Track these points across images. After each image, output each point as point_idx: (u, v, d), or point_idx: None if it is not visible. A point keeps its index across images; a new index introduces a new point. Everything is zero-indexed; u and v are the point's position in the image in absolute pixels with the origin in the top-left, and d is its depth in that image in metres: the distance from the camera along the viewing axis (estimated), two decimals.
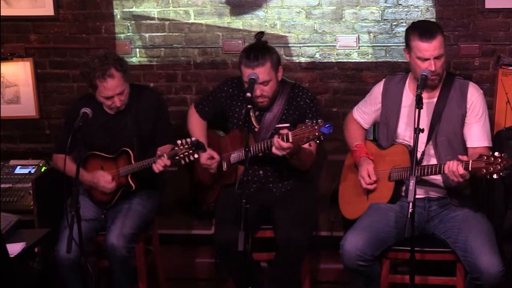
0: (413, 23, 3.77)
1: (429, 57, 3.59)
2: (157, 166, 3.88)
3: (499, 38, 4.63)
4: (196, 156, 3.81)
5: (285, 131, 3.60)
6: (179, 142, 3.82)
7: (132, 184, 4.03)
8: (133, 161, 4.01)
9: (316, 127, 3.46)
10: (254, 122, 4.02)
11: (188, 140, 3.81)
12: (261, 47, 3.96)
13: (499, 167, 3.24)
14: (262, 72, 3.84)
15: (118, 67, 3.95)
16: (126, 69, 4.01)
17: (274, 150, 3.67)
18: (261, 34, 4.09)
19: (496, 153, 3.27)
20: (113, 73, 3.93)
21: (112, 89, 3.95)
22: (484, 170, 3.27)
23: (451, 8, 4.65)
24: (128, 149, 4.03)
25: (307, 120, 3.54)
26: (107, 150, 4.07)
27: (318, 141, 3.51)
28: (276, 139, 3.62)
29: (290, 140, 3.57)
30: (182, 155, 3.80)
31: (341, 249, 3.58)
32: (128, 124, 4.02)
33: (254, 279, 3.87)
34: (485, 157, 3.28)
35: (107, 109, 4.08)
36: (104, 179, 4.00)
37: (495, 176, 3.26)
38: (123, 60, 4.03)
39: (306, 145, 3.61)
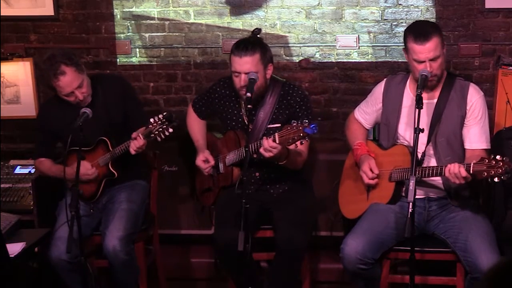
0: (410, 24, 3.76)
1: (424, 59, 3.56)
2: (133, 148, 3.85)
3: (499, 38, 4.63)
4: (171, 130, 3.76)
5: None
6: (151, 120, 3.78)
7: (114, 172, 4.03)
8: (110, 149, 4.01)
9: (300, 128, 3.45)
10: (246, 121, 4.00)
11: (160, 116, 3.78)
12: (253, 41, 3.92)
13: (500, 170, 3.22)
14: (249, 62, 3.80)
15: (67, 62, 3.91)
16: (77, 61, 3.97)
17: (261, 150, 3.65)
18: (257, 30, 4.07)
19: (498, 157, 3.25)
20: (64, 69, 3.90)
21: (68, 86, 3.93)
22: (486, 173, 3.25)
23: (451, 8, 4.65)
24: (105, 138, 4.02)
25: (292, 121, 3.53)
26: (84, 144, 4.02)
27: (303, 142, 3.51)
28: (264, 140, 3.62)
29: (277, 142, 3.56)
30: (157, 132, 3.77)
31: (341, 252, 3.58)
32: (99, 114, 3.97)
33: (254, 279, 3.87)
34: (487, 160, 3.26)
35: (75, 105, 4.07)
36: (84, 167, 3.95)
37: (496, 179, 3.24)
38: (71, 54, 3.99)
39: (292, 146, 3.60)
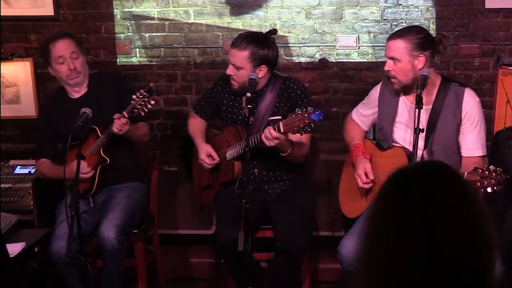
0: None
1: (386, 56, 3.66)
2: (115, 126, 3.85)
3: (499, 38, 4.63)
4: (153, 102, 3.81)
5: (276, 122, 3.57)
6: (134, 96, 3.83)
7: (106, 157, 4.01)
8: (100, 135, 4.00)
9: (306, 115, 3.40)
10: (247, 114, 3.98)
11: (142, 90, 3.82)
12: (255, 37, 3.91)
13: (493, 181, 3.22)
14: (236, 56, 3.83)
15: (69, 35, 4.13)
16: (79, 41, 4.20)
17: (264, 139, 3.61)
18: (273, 30, 4.02)
19: (491, 167, 3.25)
20: (64, 36, 4.10)
21: (63, 49, 4.05)
22: (479, 184, 3.25)
23: (451, 8, 4.65)
24: (94, 126, 4.00)
25: (296, 109, 3.49)
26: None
27: (309, 129, 3.46)
28: (267, 128, 3.58)
29: (282, 130, 3.52)
30: (139, 106, 3.81)
31: (338, 254, 3.58)
32: (94, 108, 3.94)
33: (254, 279, 3.87)
34: (480, 171, 3.26)
35: (70, 90, 4.12)
36: (81, 167, 3.92)
37: (489, 189, 3.24)
38: (77, 38, 4.24)
39: (297, 135, 3.58)
